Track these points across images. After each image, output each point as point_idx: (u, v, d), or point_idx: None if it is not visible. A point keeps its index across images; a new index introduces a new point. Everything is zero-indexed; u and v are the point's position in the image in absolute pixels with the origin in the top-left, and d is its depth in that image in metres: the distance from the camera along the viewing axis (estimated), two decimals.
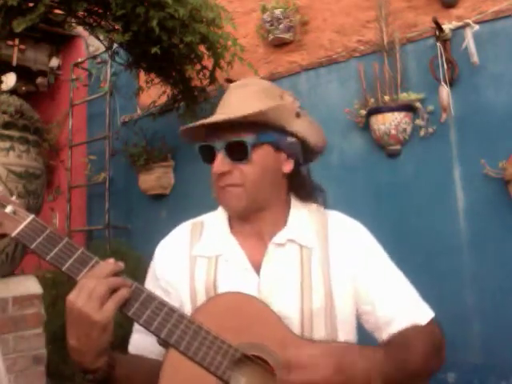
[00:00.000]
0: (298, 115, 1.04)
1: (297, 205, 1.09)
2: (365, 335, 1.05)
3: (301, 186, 1.09)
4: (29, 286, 2.30)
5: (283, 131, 1.01)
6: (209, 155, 1.01)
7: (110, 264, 0.88)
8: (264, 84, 1.08)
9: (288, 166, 1.05)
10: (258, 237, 1.04)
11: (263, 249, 1.02)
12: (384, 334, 1.00)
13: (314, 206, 1.10)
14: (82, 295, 0.83)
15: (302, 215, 1.07)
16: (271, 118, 0.98)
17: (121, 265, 0.90)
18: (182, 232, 1.12)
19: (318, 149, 1.09)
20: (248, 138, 0.97)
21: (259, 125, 0.98)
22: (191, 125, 1.01)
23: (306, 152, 1.07)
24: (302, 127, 1.03)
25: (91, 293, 0.83)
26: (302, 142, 1.04)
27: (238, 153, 0.98)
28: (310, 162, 1.12)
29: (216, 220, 1.10)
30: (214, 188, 1.03)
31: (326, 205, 1.11)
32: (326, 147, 1.12)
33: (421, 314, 1.02)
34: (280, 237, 1.02)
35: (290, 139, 1.02)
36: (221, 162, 0.98)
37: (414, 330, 0.97)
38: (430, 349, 0.95)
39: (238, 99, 1.02)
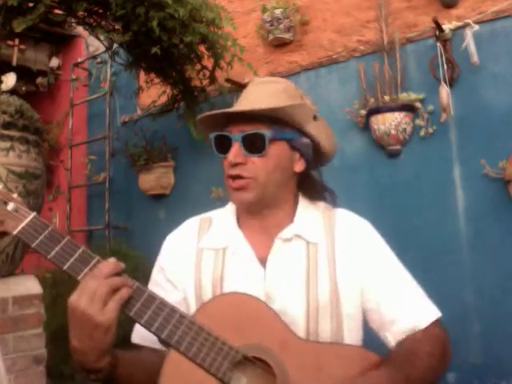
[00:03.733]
0: (315, 118, 1.06)
1: (304, 203, 1.10)
2: (369, 335, 1.05)
3: (310, 186, 1.11)
4: (29, 285, 2.29)
5: (299, 131, 1.03)
6: (224, 145, 1.01)
7: (111, 263, 0.88)
8: (286, 83, 1.10)
9: (300, 166, 1.06)
10: (265, 232, 1.05)
11: (269, 244, 1.03)
12: (388, 334, 1.00)
13: (321, 205, 1.11)
14: (84, 296, 0.83)
15: (309, 212, 1.08)
16: (290, 115, 0.99)
17: (122, 265, 0.89)
18: (190, 226, 1.13)
19: (328, 154, 1.10)
20: (266, 132, 0.98)
21: (277, 121, 0.99)
22: (212, 112, 1.02)
23: (317, 155, 1.07)
24: (317, 130, 1.05)
25: (93, 294, 0.83)
26: (315, 145, 1.05)
27: (255, 145, 0.99)
28: (319, 166, 1.13)
29: (224, 215, 1.11)
30: (226, 179, 1.04)
31: (334, 205, 1.12)
32: (335, 154, 1.13)
33: (426, 314, 1.01)
34: (287, 232, 1.03)
35: (305, 140, 1.04)
36: (236, 152, 0.99)
37: (419, 338, 0.97)
38: (435, 360, 0.94)
39: (260, 94, 1.03)
